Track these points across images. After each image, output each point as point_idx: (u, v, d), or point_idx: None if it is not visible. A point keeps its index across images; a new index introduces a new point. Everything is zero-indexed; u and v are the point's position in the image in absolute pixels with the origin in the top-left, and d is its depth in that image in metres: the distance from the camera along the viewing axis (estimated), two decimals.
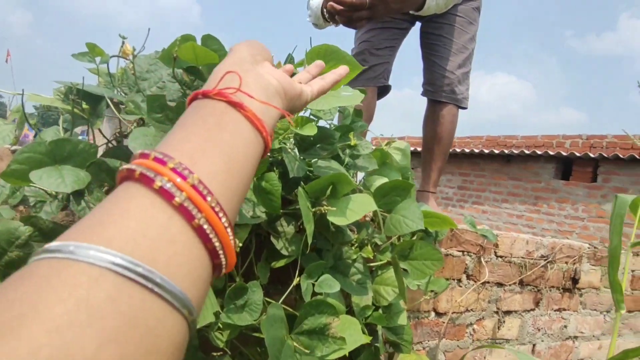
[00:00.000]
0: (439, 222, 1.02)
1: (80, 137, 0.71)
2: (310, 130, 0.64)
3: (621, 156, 4.96)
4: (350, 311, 0.83)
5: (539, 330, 1.58)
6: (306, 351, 0.56)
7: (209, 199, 0.24)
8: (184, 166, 0.24)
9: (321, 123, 0.80)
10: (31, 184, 0.55)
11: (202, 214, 0.23)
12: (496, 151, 6.32)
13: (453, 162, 7.19)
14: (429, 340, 1.32)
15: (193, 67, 0.67)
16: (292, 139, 0.74)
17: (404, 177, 1.09)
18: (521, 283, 1.52)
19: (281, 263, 0.69)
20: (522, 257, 1.52)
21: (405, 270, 0.82)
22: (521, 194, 6.37)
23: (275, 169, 0.73)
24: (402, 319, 0.94)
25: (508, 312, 1.50)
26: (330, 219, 0.65)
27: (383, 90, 1.51)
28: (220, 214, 0.24)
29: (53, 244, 0.20)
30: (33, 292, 0.17)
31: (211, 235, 0.23)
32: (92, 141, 0.65)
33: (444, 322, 1.33)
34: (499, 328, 1.47)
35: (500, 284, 1.46)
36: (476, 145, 6.81)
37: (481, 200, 6.81)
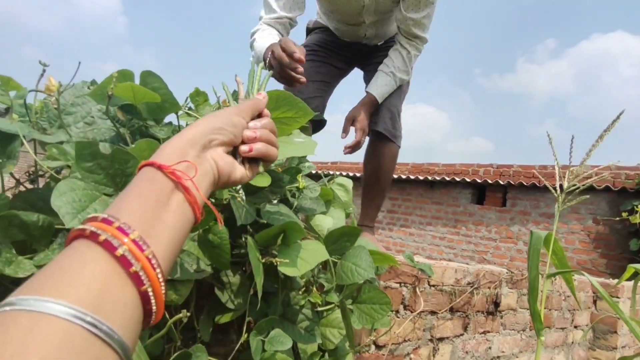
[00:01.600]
0: (381, 260, 1.03)
1: None
2: (263, 182, 0.61)
3: (525, 183, 5.60)
4: (297, 356, 0.79)
5: (467, 353, 1.66)
6: None
7: (153, 261, 0.30)
8: (143, 240, 0.30)
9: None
10: None
11: (149, 282, 0.29)
12: (420, 177, 6.74)
13: None
14: None
15: (128, 104, 0.61)
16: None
17: (346, 214, 1.09)
18: (451, 310, 1.59)
19: (227, 318, 0.64)
20: (452, 285, 1.60)
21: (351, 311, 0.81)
22: (443, 217, 6.84)
23: (221, 214, 0.68)
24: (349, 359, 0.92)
25: (441, 339, 1.56)
26: (282, 269, 0.61)
27: (319, 124, 1.52)
28: (158, 271, 0.30)
29: (13, 298, 0.24)
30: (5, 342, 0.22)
31: (147, 285, 0.29)
32: (1, 186, 0.55)
33: (384, 355, 1.34)
34: (434, 356, 1.52)
35: (433, 312, 1.52)
36: (403, 171, 7.21)
37: (408, 223, 7.18)
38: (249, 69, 0.58)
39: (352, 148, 1.40)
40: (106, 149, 0.50)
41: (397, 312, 1.40)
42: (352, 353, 0.91)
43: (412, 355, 1.46)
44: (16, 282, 0.51)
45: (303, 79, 1.01)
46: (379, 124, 1.44)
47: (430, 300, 1.51)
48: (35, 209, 0.52)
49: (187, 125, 0.72)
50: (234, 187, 0.64)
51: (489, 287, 1.74)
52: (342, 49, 1.57)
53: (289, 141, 0.62)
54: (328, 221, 0.91)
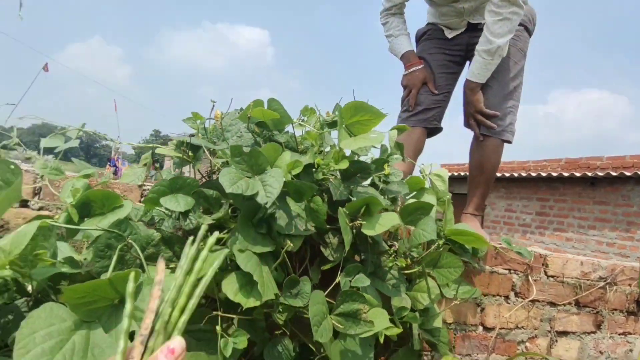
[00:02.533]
0: (473, 240, 1.15)
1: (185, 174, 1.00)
2: (343, 165, 0.85)
3: None
4: (389, 310, 0.99)
5: (601, 353, 1.54)
6: (341, 327, 0.75)
7: None
8: None
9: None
10: (157, 207, 0.83)
11: None
12: (577, 174, 5.91)
13: (529, 187, 6.84)
14: (477, 354, 1.40)
15: (261, 121, 0.93)
16: (337, 172, 0.96)
17: (441, 200, 1.24)
18: (577, 304, 1.52)
19: (327, 266, 0.90)
20: (577, 278, 1.53)
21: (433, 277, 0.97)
22: (610, 219, 5.83)
23: (323, 194, 0.95)
24: (438, 322, 1.07)
25: (564, 333, 1.51)
26: (364, 230, 0.84)
27: (434, 130, 1.69)
28: None
29: None
30: None
31: None
32: (194, 177, 0.92)
33: (492, 337, 1.40)
34: (552, 347, 1.48)
35: (553, 304, 1.49)
36: (554, 168, 6.43)
37: (564, 227, 6.34)
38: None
39: (482, 134, 1.58)
40: (247, 150, 0.81)
41: (507, 297, 1.43)
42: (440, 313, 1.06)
43: (527, 344, 1.46)
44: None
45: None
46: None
47: (548, 290, 1.48)
48: (212, 189, 0.87)
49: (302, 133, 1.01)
50: (329, 170, 0.89)
51: (629, 284, 1.58)
52: (452, 49, 1.69)
53: (366, 136, 0.85)
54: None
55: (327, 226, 0.93)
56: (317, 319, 0.71)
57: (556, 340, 1.49)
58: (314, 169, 0.86)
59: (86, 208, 0.77)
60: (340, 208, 0.85)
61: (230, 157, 0.79)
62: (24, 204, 1.04)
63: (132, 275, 0.61)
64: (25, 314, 0.74)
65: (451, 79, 1.69)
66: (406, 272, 1.03)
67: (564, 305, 1.51)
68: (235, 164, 0.80)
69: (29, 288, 0.71)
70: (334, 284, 0.85)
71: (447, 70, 1.66)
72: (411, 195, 1.19)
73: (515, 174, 6.81)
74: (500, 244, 1.38)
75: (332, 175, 0.93)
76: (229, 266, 0.83)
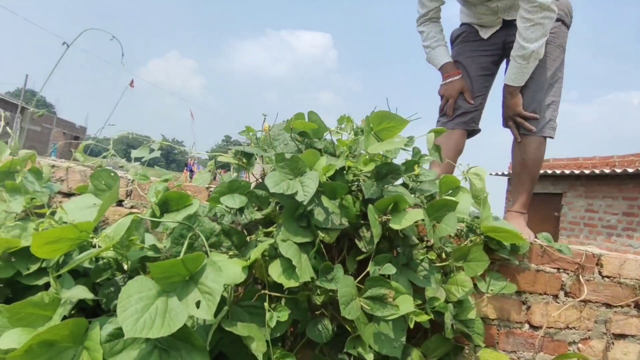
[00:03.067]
0: (509, 237, 1.19)
1: (241, 177, 1.18)
2: (370, 167, 0.97)
3: None
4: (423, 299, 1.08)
5: None
6: (367, 307, 0.86)
7: None
8: None
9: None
10: (219, 205, 1.02)
11: None
12: None
13: (613, 185, 6.24)
14: (523, 351, 1.41)
15: (303, 131, 1.08)
16: (369, 172, 1.07)
17: (478, 198, 1.30)
18: (638, 306, 1.45)
19: (361, 257, 1.02)
20: (637, 279, 1.46)
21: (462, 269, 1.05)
22: None
23: (358, 193, 1.08)
24: (472, 314, 1.13)
25: (622, 336, 1.45)
26: (391, 225, 0.95)
27: (473, 132, 1.73)
28: None
29: None
30: None
31: None
32: (248, 179, 1.10)
33: (538, 335, 1.40)
34: (608, 350, 1.43)
35: (608, 305, 1.44)
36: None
37: None
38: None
39: (521, 134, 1.60)
40: (289, 156, 0.97)
41: (556, 297, 1.42)
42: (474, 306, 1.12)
43: (580, 345, 1.44)
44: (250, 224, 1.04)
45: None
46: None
47: (603, 291, 1.44)
48: (262, 190, 1.04)
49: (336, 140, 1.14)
50: (359, 172, 1.01)
51: None
52: (488, 50, 1.71)
53: (391, 140, 0.96)
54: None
55: (362, 221, 1.05)
56: (345, 299, 0.84)
57: (613, 343, 1.45)
58: (344, 172, 0.99)
59: (165, 205, 0.98)
60: (370, 205, 0.97)
61: (275, 162, 0.94)
62: (119, 203, 1.30)
63: (197, 256, 0.79)
64: (121, 288, 0.96)
65: (488, 80, 1.71)
66: (438, 264, 1.11)
67: (622, 307, 1.45)
68: (279, 168, 0.95)
69: (125, 267, 0.93)
70: (365, 272, 0.97)
71: (485, 72, 1.69)
72: (447, 193, 1.26)
73: (597, 171, 6.25)
74: (539, 241, 1.38)
75: (366, 176, 1.05)
76: (276, 254, 0.99)
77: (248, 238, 1.02)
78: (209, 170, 1.21)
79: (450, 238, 1.26)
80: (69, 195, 1.32)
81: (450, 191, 1.25)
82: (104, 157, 1.46)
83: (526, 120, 1.55)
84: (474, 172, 1.37)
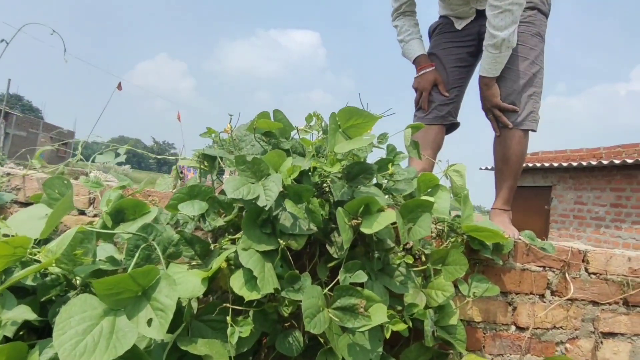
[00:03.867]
0: (491, 236, 1.14)
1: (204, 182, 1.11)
2: (336, 168, 0.91)
3: None
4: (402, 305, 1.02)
5: None
6: (336, 319, 0.80)
7: None
8: None
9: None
10: (179, 212, 0.95)
11: None
12: None
13: (600, 176, 6.26)
14: (510, 354, 1.36)
15: (269, 131, 1.02)
16: (339, 173, 1.01)
17: (458, 196, 1.24)
18: (626, 303, 1.41)
19: (332, 264, 0.95)
20: (624, 275, 1.42)
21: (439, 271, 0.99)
22: None
23: (329, 195, 1.01)
24: (454, 320, 1.08)
25: (611, 334, 1.41)
26: (362, 229, 0.89)
27: (452, 126, 1.68)
28: None
29: None
30: None
31: None
32: (212, 184, 1.03)
33: (525, 337, 1.35)
34: (597, 349, 1.39)
35: (595, 302, 1.40)
36: (630, 154, 5.83)
37: None
38: None
39: (500, 130, 1.55)
40: (250, 158, 0.90)
41: (543, 296, 1.38)
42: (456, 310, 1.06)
43: (568, 345, 1.39)
44: (217, 230, 0.97)
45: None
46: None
47: (589, 288, 1.40)
48: (225, 195, 0.97)
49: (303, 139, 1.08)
50: (330, 172, 0.95)
51: None
52: (464, 40, 1.66)
53: (359, 138, 0.90)
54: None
55: (333, 225, 0.99)
56: (310, 312, 0.78)
57: (601, 342, 1.40)
58: (310, 173, 0.93)
59: (120, 215, 0.91)
60: (339, 208, 0.91)
61: (236, 165, 0.88)
62: (82, 212, 1.23)
63: (148, 269, 0.73)
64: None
65: (465, 72, 1.66)
66: (417, 269, 1.05)
67: (610, 304, 1.41)
68: (240, 172, 0.89)
69: (76, 283, 0.86)
70: (335, 280, 0.91)
71: (460, 64, 1.64)
72: (427, 192, 1.21)
73: (584, 163, 6.26)
74: (521, 239, 1.33)
75: (336, 177, 0.99)
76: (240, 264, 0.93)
77: (212, 246, 0.95)
78: (174, 175, 1.14)
79: (431, 239, 1.20)
80: (26, 204, 1.24)
81: (429, 190, 1.20)
82: (92, 160, 1.37)
83: (505, 112, 1.50)
84: (454, 169, 1.31)
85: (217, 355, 0.78)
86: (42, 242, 0.90)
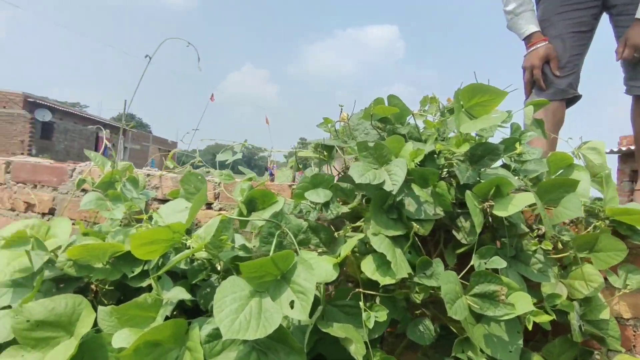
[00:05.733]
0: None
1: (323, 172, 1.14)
2: (464, 148, 0.85)
3: None
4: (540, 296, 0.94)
5: None
6: (476, 306, 0.75)
7: None
8: None
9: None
10: (303, 201, 0.98)
11: None
12: None
13: None
14: None
15: (384, 117, 1.01)
16: (463, 156, 0.96)
17: (598, 176, 1.10)
18: None
19: (462, 249, 0.91)
20: None
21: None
22: None
23: (452, 179, 0.97)
24: (605, 314, 0.96)
25: None
26: (495, 212, 0.83)
27: (573, 99, 1.50)
28: None
29: None
30: None
31: None
32: (330, 173, 1.05)
33: None
34: None
35: None
36: None
37: None
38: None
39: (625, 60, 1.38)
40: (372, 144, 0.90)
41: None
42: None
43: None
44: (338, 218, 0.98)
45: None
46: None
47: None
48: (346, 182, 0.98)
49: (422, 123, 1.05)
50: (451, 155, 0.91)
51: None
52: (583, 2, 1.46)
53: (487, 117, 0.84)
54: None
55: (458, 210, 0.94)
56: (450, 297, 0.74)
57: None
58: (435, 156, 0.89)
59: (252, 204, 0.97)
60: (467, 191, 0.86)
61: (358, 152, 0.88)
62: (209, 206, 1.35)
63: (287, 254, 0.76)
64: (216, 288, 0.97)
65: (586, 37, 1.46)
66: (556, 256, 0.96)
67: None
68: (362, 158, 0.89)
69: (218, 267, 0.94)
70: (468, 266, 0.86)
71: (581, 29, 1.44)
72: (558, 173, 1.09)
73: None
74: None
75: (458, 159, 0.94)
76: (367, 250, 0.93)
77: (336, 234, 0.97)
78: (291, 167, 1.19)
79: (565, 225, 1.08)
80: (163, 201, 1.40)
81: (561, 170, 1.08)
82: (192, 164, 1.52)
83: (631, 51, 1.29)
84: (590, 147, 1.17)
85: (355, 339, 0.79)
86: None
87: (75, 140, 17.52)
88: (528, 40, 1.54)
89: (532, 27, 1.52)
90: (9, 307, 0.98)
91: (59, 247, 1.01)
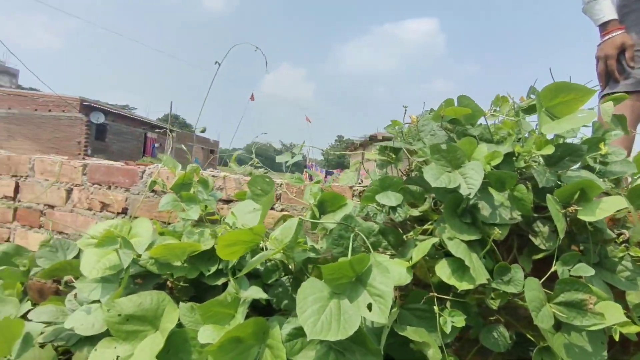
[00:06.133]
0: None
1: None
2: (548, 150, 0.82)
3: None
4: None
5: None
6: (563, 315, 0.73)
7: None
8: None
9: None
10: (370, 204, 0.99)
11: None
12: None
13: None
14: None
15: (453, 118, 0.99)
16: (540, 158, 0.93)
17: None
18: None
19: (539, 256, 0.88)
20: None
21: None
22: None
23: (527, 182, 0.94)
24: None
25: None
26: (581, 217, 0.79)
27: None
28: None
29: None
30: None
31: None
32: (399, 175, 1.05)
33: None
34: None
35: None
36: None
37: None
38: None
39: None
40: (445, 147, 0.88)
41: None
42: None
43: None
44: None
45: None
46: None
47: None
48: (415, 185, 0.98)
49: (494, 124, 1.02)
50: (531, 157, 0.88)
51: None
52: None
53: (572, 117, 0.80)
54: None
55: (534, 214, 0.91)
56: (535, 305, 0.72)
57: None
58: (514, 158, 0.86)
59: (322, 207, 0.99)
60: (548, 195, 0.83)
61: (430, 155, 0.87)
62: (271, 207, 1.39)
63: (362, 257, 0.77)
64: (288, 288, 1.00)
65: None
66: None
67: None
68: (435, 161, 0.88)
69: (291, 268, 0.97)
70: (549, 272, 0.83)
71: None
72: None
73: None
74: None
75: (535, 162, 0.91)
76: (436, 254, 0.92)
77: (405, 237, 0.97)
78: (355, 169, 1.20)
79: None
80: (227, 201, 1.46)
81: None
82: (251, 165, 1.57)
83: None
84: None
85: (431, 344, 0.78)
86: None
87: (127, 141, 18.56)
88: (603, 27, 1.46)
89: (610, 14, 1.43)
90: (98, 301, 1.07)
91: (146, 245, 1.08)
